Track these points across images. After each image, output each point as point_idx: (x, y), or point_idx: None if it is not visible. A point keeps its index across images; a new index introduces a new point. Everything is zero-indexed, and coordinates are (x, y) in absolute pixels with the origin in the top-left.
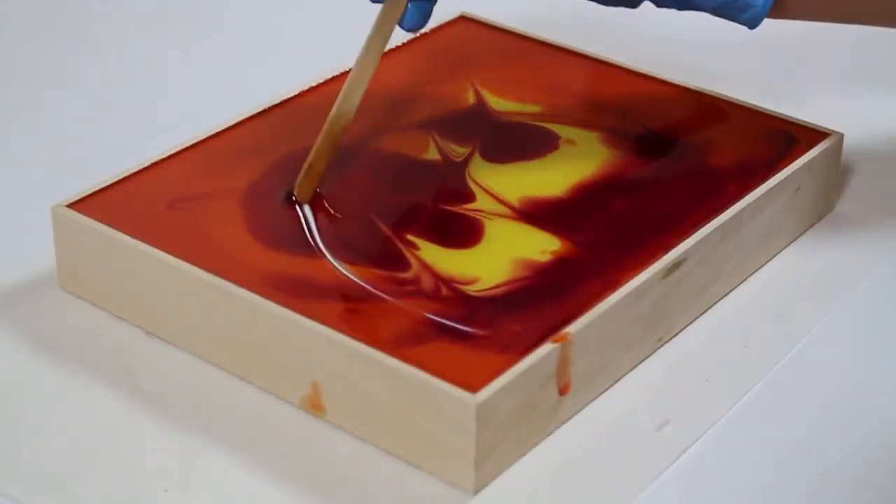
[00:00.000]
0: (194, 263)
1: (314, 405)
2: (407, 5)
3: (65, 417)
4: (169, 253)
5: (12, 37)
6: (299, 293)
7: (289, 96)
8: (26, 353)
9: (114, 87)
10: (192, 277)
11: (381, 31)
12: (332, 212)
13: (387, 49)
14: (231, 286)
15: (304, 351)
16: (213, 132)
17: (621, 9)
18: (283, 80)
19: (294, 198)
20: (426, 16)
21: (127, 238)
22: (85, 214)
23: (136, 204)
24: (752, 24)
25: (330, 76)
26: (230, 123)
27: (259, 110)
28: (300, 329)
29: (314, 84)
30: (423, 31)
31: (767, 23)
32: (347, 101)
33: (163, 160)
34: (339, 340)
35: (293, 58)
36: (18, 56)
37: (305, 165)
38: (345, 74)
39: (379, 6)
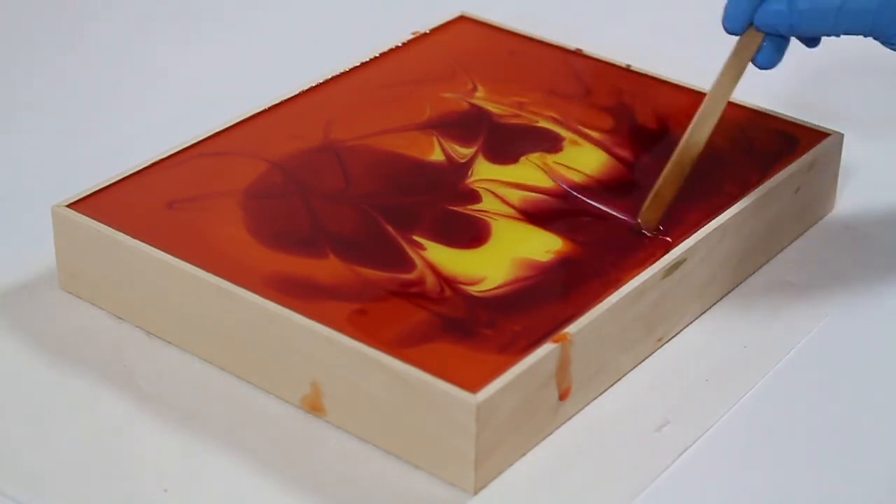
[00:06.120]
0: (194, 263)
1: (314, 405)
2: (763, 42)
3: (65, 417)
4: (169, 253)
5: (12, 37)
6: (299, 293)
7: (289, 96)
8: (26, 353)
9: (114, 86)
10: (192, 277)
11: (735, 64)
12: (337, 212)
13: (387, 49)
14: (231, 286)
15: (304, 351)
16: (213, 132)
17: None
18: (283, 80)
19: (638, 222)
20: (781, 53)
21: (127, 238)
22: (85, 214)
23: (136, 204)
24: None
25: (330, 76)
26: (230, 123)
27: (259, 110)
28: (300, 329)
29: (314, 84)
30: (422, 31)
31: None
32: (698, 133)
33: (163, 160)
34: (339, 340)
35: (293, 58)
36: (18, 56)
37: (653, 192)
38: (344, 74)
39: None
